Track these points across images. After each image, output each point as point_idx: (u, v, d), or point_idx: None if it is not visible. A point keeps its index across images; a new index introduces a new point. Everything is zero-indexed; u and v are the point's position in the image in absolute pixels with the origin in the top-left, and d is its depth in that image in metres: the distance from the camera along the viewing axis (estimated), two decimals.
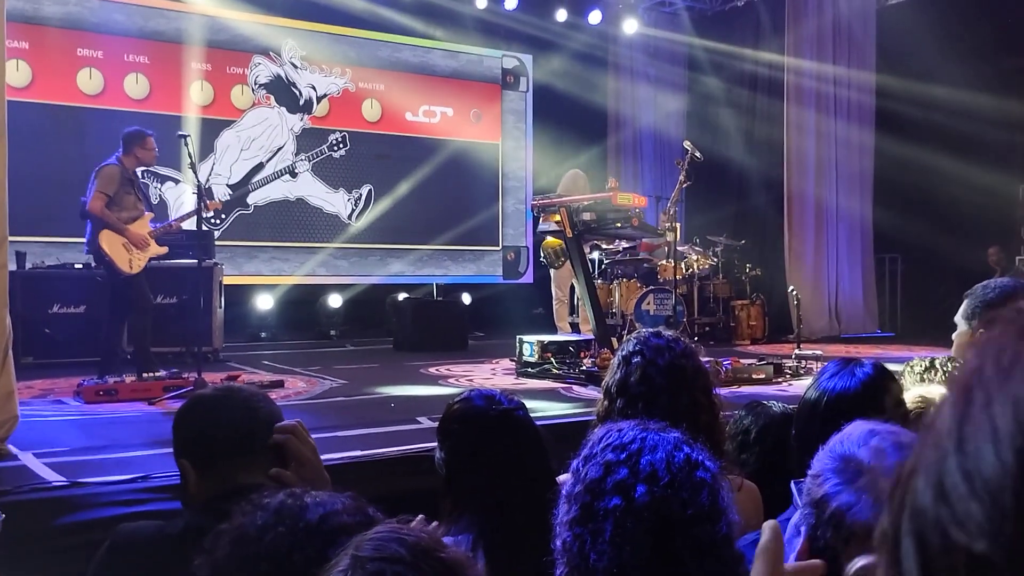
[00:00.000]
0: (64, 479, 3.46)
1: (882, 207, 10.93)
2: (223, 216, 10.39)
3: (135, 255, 6.53)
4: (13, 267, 6.74)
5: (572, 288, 8.94)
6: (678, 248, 8.79)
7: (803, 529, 1.33)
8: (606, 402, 2.23)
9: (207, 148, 10.46)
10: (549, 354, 7.13)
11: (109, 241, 6.45)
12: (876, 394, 2.18)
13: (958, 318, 3.06)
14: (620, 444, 1.33)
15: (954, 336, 3.09)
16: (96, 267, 8.38)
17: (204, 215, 6.54)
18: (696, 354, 2.26)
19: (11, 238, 4.30)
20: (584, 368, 6.74)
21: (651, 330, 2.31)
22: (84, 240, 6.63)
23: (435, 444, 3.85)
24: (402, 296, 10.70)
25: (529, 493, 1.91)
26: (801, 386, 6.49)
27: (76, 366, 7.29)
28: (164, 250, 6.83)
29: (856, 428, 1.38)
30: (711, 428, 2.16)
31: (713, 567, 1.26)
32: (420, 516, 1.58)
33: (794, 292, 8.54)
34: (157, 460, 3.80)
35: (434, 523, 2.18)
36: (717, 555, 1.26)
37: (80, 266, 8.41)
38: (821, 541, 1.28)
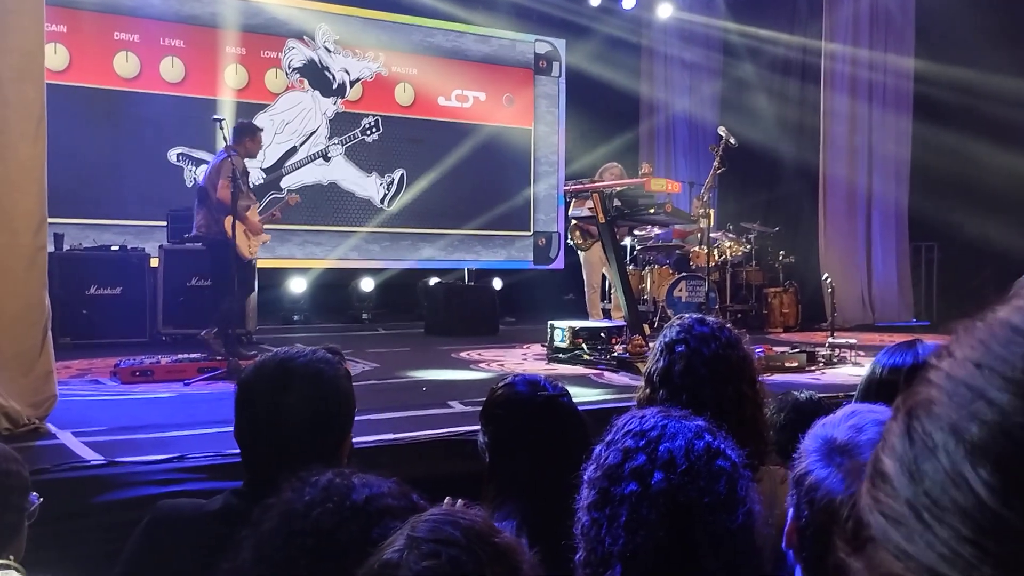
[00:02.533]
0: (102, 458, 3.50)
1: (919, 194, 10.77)
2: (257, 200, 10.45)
3: (252, 241, 7.05)
4: (51, 248, 6.84)
5: (603, 275, 8.91)
6: (711, 235, 8.73)
7: (790, 511, 1.33)
8: (647, 390, 2.19)
9: None
10: (580, 340, 7.12)
11: (233, 228, 6.76)
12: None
13: None
14: (640, 431, 1.33)
15: None
16: (133, 249, 8.52)
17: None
18: (741, 343, 2.20)
19: (49, 220, 4.35)
20: (615, 354, 6.72)
21: (695, 316, 2.24)
22: (194, 223, 7.07)
23: (467, 428, 3.88)
24: (433, 281, 10.74)
25: (573, 480, 1.89)
26: (834, 374, 6.44)
27: (113, 346, 7.41)
28: (268, 238, 7.23)
29: (841, 410, 1.40)
30: (755, 420, 2.13)
31: (728, 556, 1.26)
32: (462, 501, 1.59)
33: (828, 280, 8.44)
34: (193, 440, 3.85)
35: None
36: (733, 545, 1.26)
37: (116, 248, 8.51)
38: (802, 518, 1.27)
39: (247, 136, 7.12)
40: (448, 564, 0.98)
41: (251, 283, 7.19)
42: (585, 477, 1.37)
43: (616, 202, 6.79)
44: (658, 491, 1.25)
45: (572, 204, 7.66)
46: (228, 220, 6.66)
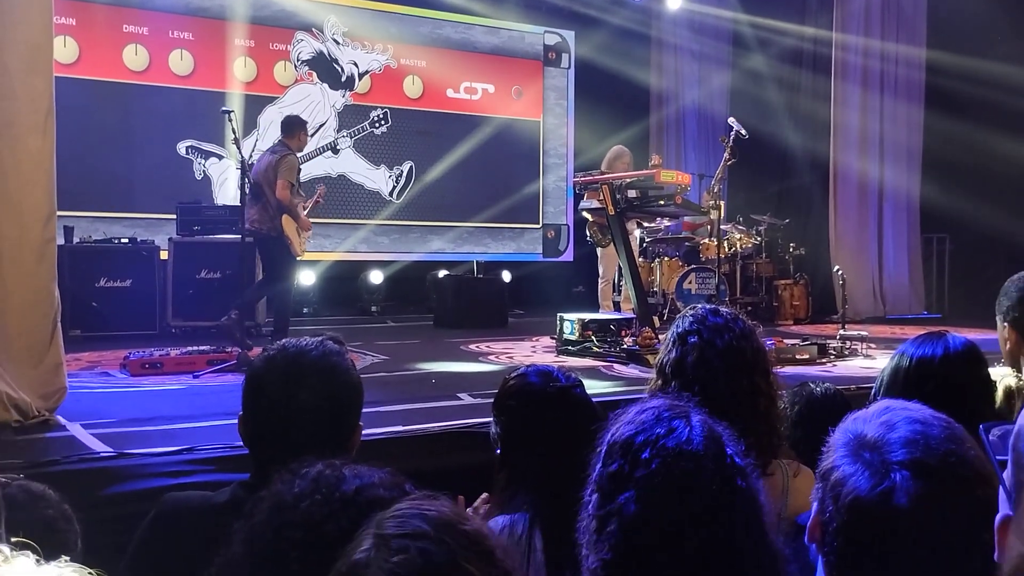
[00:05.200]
0: (111, 450, 3.50)
1: (931, 185, 10.71)
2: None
3: (303, 238, 7.16)
4: (61, 241, 6.87)
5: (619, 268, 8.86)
6: (721, 227, 8.69)
7: (815, 504, 1.30)
8: (659, 381, 2.15)
9: (250, 124, 10.53)
10: (590, 332, 7.10)
11: (289, 226, 6.97)
12: (962, 365, 2.12)
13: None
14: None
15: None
16: (142, 242, 8.53)
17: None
18: (755, 334, 2.16)
19: (59, 213, 4.35)
20: (625, 347, 6.70)
21: (708, 307, 2.20)
22: (246, 217, 6.85)
23: (477, 420, 3.87)
24: (443, 273, 10.72)
25: (587, 473, 1.87)
26: (846, 367, 6.41)
27: (123, 339, 7.43)
28: (311, 233, 7.44)
29: (875, 405, 1.35)
30: (768, 413, 2.10)
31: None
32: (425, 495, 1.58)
33: (839, 272, 8.41)
34: (202, 432, 3.86)
35: (482, 496, 2.17)
36: (758, 566, 1.24)
37: (126, 240, 8.53)
38: (827, 513, 1.24)
39: (299, 130, 7.22)
40: (419, 557, 0.96)
41: (292, 278, 7.42)
42: (590, 513, 1.33)
43: (626, 193, 6.76)
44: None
45: (586, 196, 7.61)
46: (285, 218, 6.89)
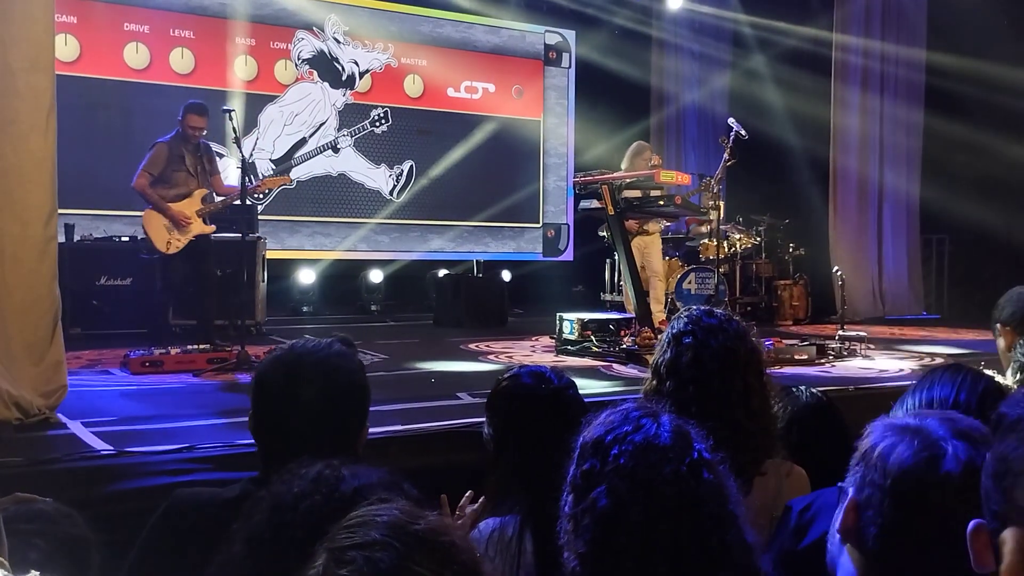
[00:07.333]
0: (111, 448, 3.52)
1: (930, 187, 10.72)
2: (267, 191, 10.47)
3: (174, 236, 6.77)
4: (62, 239, 6.87)
5: (619, 269, 8.80)
6: (721, 227, 8.69)
7: (850, 490, 1.31)
8: (654, 381, 2.18)
9: (251, 123, 10.54)
10: (589, 332, 7.11)
11: (150, 219, 6.73)
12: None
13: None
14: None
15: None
16: (143, 240, 8.54)
17: (249, 189, 6.77)
18: (748, 335, 2.19)
19: (60, 211, 4.36)
20: (624, 347, 6.71)
21: (703, 308, 2.23)
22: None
23: (475, 419, 3.88)
24: (442, 272, 10.73)
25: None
26: (844, 368, 6.42)
27: (123, 337, 7.43)
28: (211, 228, 7.00)
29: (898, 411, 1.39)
30: (762, 412, 2.12)
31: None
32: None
33: (839, 272, 8.42)
34: (202, 431, 3.86)
35: (479, 499, 2.18)
36: (728, 554, 1.27)
37: (127, 239, 8.53)
38: (865, 490, 1.25)
39: (185, 115, 6.88)
40: (366, 566, 0.97)
41: (168, 280, 7.01)
42: (566, 512, 1.36)
43: (625, 194, 6.76)
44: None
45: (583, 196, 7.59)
46: (146, 212, 6.71)
